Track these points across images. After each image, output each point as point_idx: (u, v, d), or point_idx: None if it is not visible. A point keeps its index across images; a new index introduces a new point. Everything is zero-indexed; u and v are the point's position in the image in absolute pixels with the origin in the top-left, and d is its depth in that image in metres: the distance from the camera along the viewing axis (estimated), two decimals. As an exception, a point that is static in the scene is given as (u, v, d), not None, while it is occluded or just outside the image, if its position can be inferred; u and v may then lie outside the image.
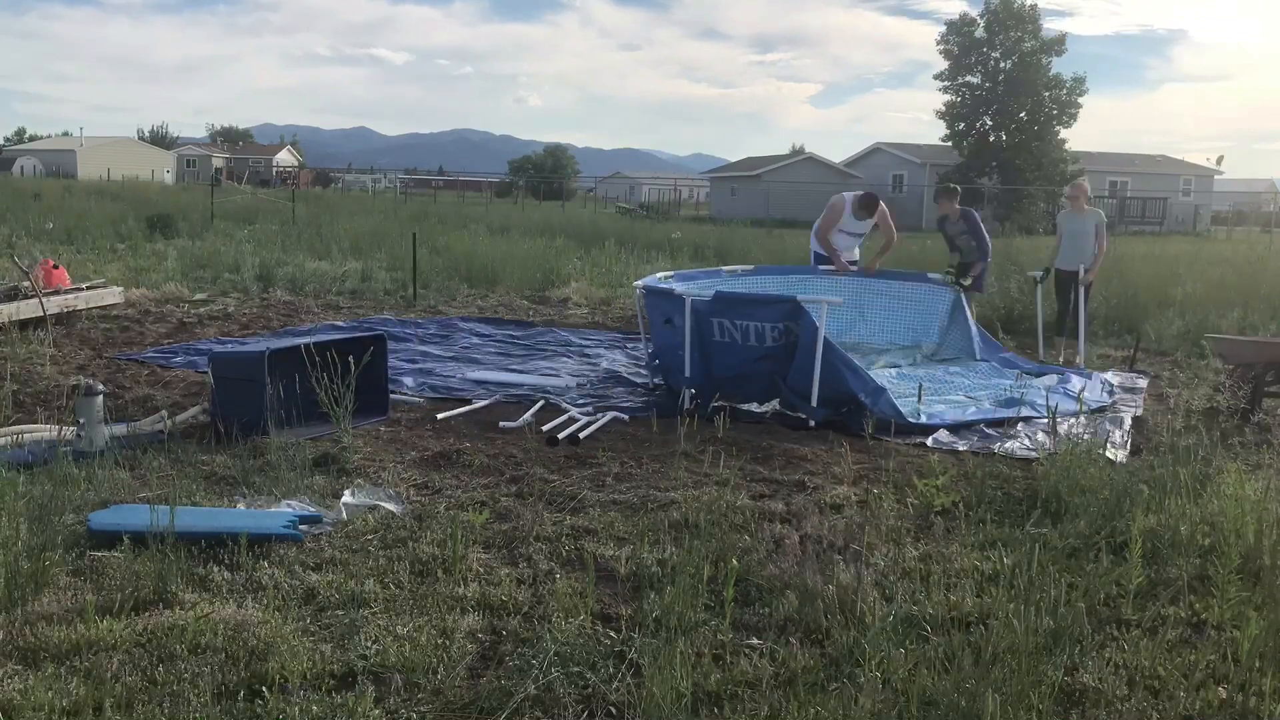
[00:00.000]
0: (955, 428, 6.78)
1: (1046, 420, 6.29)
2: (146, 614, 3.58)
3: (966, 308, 9.41)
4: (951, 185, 10.49)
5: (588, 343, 10.31)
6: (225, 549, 4.14)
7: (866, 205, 9.52)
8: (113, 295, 11.02)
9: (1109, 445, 6.10)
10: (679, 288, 7.92)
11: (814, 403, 6.78)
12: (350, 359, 5.84)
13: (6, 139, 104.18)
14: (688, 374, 7.23)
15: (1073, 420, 6.30)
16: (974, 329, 9.33)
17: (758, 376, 7.13)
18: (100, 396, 5.69)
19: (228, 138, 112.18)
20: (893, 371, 8.55)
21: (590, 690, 3.16)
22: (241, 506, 4.80)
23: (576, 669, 3.25)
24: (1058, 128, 46.34)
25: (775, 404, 7.15)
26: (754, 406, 7.13)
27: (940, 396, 7.70)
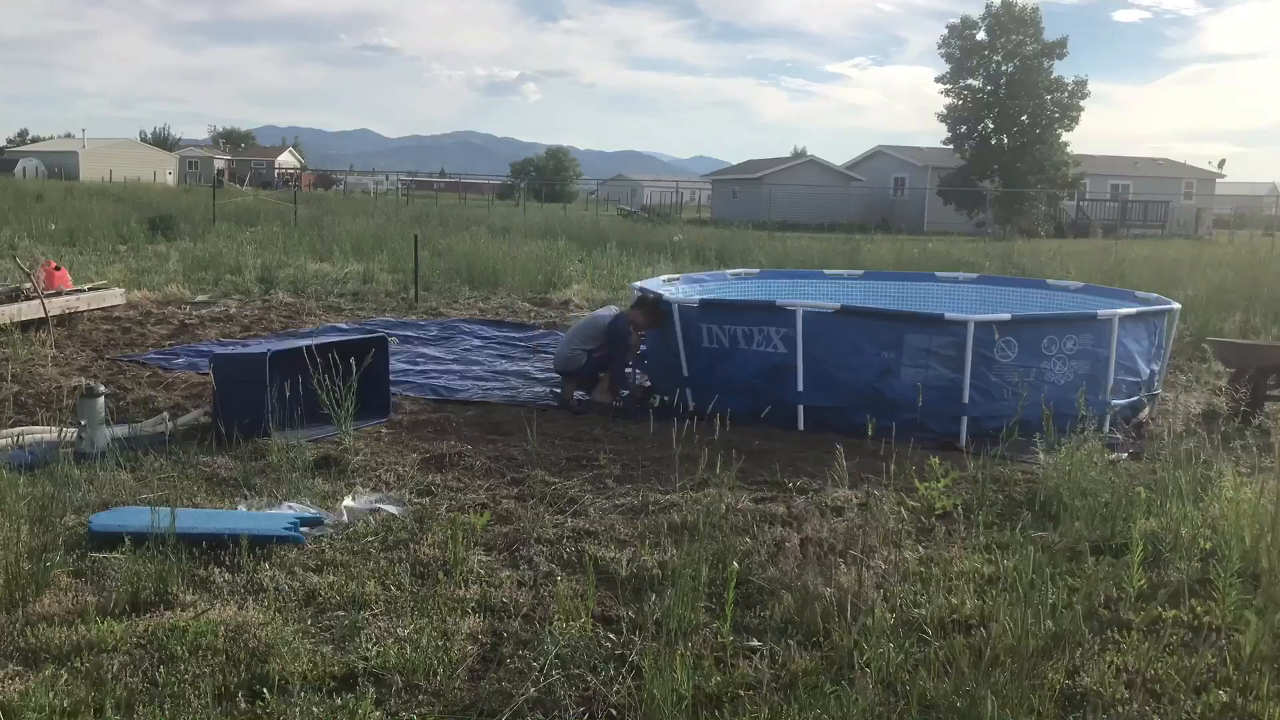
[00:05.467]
0: None
1: None
2: (147, 615, 3.58)
3: None
4: None
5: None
6: (226, 550, 4.14)
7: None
8: (114, 297, 11.03)
9: (1109, 446, 6.10)
10: (668, 292, 7.91)
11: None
12: (351, 361, 5.85)
13: (9, 140, 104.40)
14: (685, 374, 7.24)
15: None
16: None
17: (760, 387, 6.88)
18: (102, 398, 5.70)
19: (230, 139, 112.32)
20: None
21: (591, 692, 3.16)
22: (243, 508, 4.80)
23: (577, 671, 3.26)
24: (1059, 130, 46.39)
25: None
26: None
27: None
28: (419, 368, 8.77)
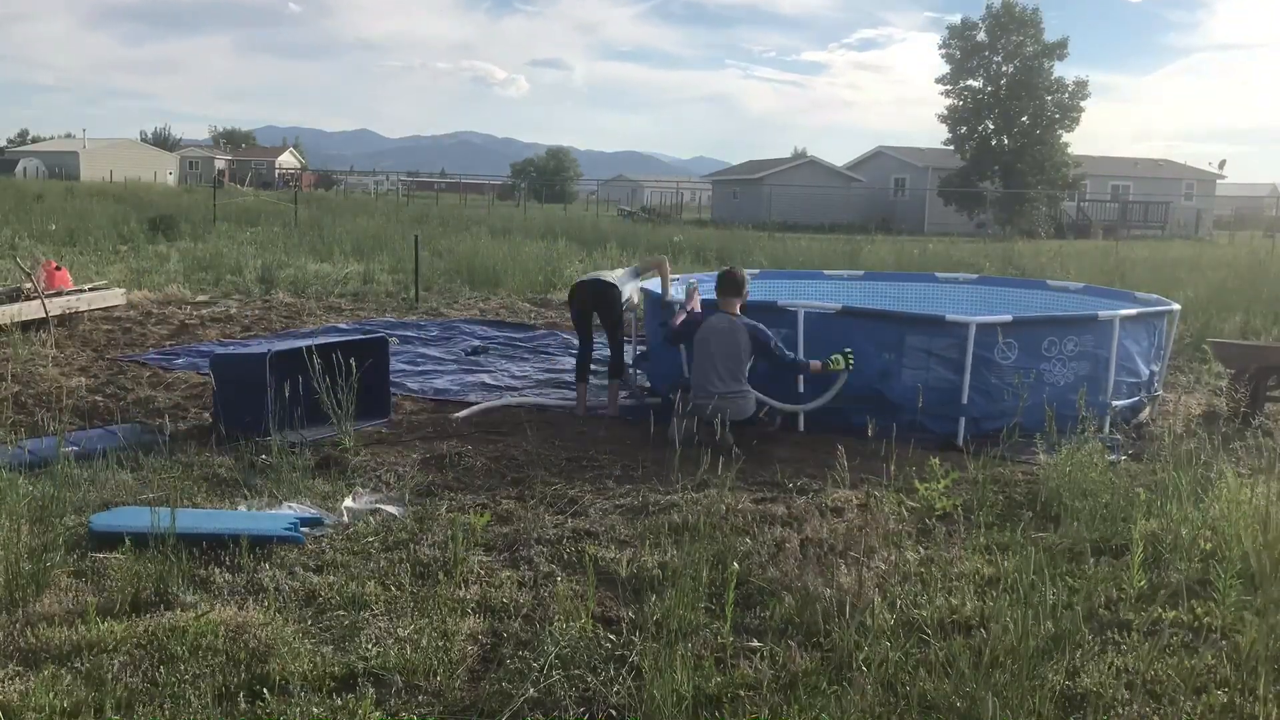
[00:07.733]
0: None
1: None
2: (147, 615, 3.58)
3: None
4: None
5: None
6: (226, 551, 4.15)
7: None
8: (115, 297, 11.03)
9: (1109, 447, 6.09)
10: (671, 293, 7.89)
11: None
12: (352, 361, 5.85)
13: (9, 140, 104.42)
14: (686, 374, 7.22)
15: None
16: None
17: (761, 388, 6.71)
18: None
19: (230, 140, 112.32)
20: None
21: (590, 693, 3.16)
22: (243, 508, 4.80)
23: (577, 672, 3.25)
24: (1060, 131, 46.40)
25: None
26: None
27: None
28: (419, 368, 8.77)
